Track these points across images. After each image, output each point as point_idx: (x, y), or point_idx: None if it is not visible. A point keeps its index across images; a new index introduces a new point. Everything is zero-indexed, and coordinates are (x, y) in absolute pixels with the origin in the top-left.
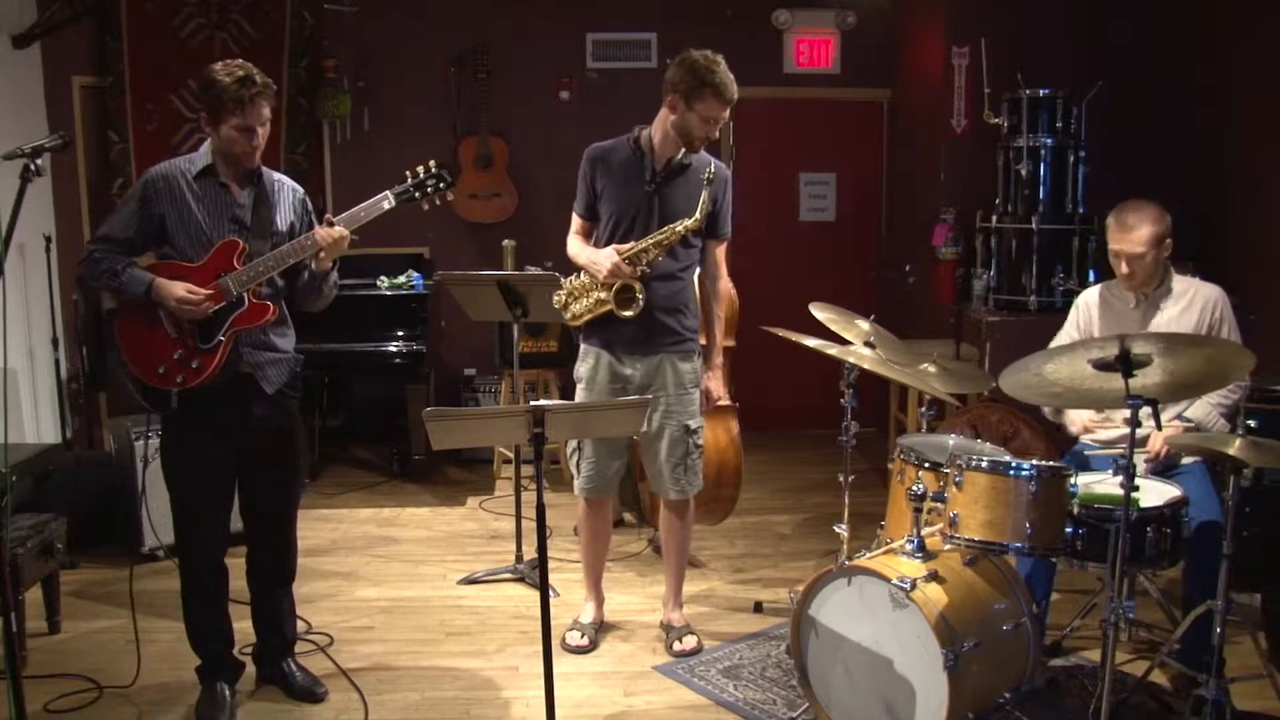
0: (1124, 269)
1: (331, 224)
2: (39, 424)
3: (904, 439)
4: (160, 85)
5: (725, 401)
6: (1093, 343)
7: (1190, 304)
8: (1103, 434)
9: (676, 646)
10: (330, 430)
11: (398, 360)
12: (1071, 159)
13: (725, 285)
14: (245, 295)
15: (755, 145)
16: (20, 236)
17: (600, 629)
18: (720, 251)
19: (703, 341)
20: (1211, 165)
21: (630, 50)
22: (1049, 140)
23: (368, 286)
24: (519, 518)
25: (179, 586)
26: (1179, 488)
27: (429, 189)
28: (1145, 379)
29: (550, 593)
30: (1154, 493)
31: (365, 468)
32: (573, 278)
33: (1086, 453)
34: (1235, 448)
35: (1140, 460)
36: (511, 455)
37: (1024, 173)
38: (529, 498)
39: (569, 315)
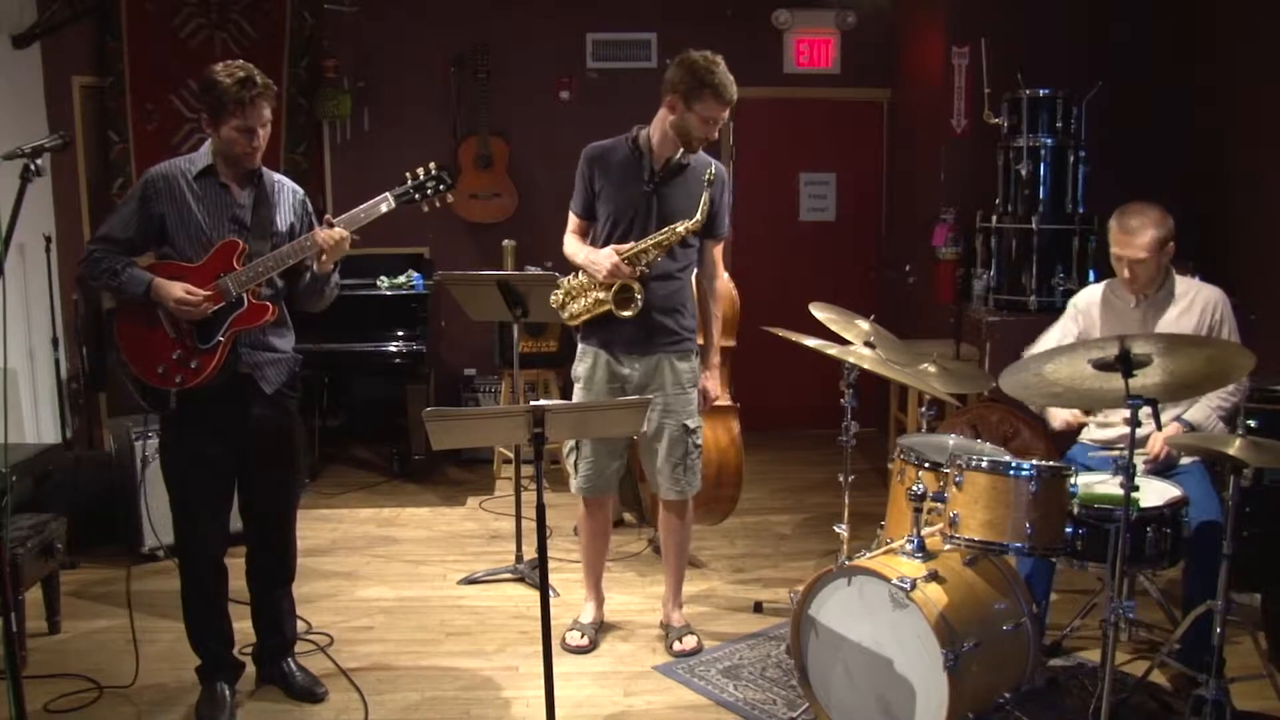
0: (1126, 273)
1: (332, 225)
2: (39, 424)
3: (904, 439)
4: (160, 85)
5: (723, 401)
6: (1093, 343)
7: (1191, 305)
8: (1102, 434)
9: (676, 646)
10: (330, 430)
11: (398, 360)
12: (1071, 159)
13: (723, 284)
14: (245, 296)
15: (755, 145)
16: (20, 236)
17: (600, 629)
18: (718, 251)
19: (700, 341)
20: (1211, 165)
21: (630, 50)
22: (1049, 140)
23: (368, 286)
24: (519, 518)
25: (179, 586)
26: (1179, 488)
27: (429, 191)
28: (1145, 379)
29: (550, 593)
30: (1154, 493)
31: (365, 468)
32: (570, 277)
33: (1089, 454)
34: (1235, 448)
35: (1139, 461)
36: (511, 455)
37: (1024, 173)
38: (529, 498)
39: (566, 315)
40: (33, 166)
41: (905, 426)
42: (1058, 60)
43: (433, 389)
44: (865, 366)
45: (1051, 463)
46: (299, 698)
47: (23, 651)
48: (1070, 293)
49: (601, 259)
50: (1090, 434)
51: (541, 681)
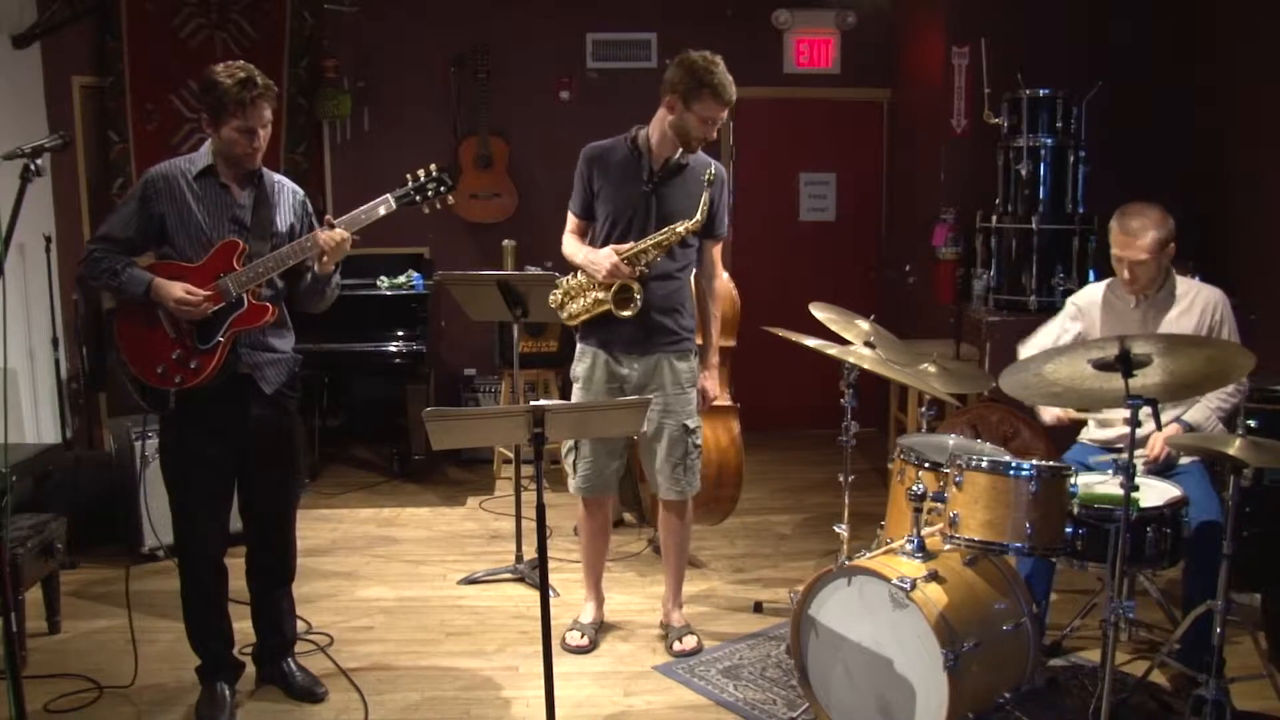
0: (1126, 274)
1: (333, 226)
2: (39, 424)
3: (904, 439)
4: (160, 85)
5: (722, 401)
6: (1093, 343)
7: (1191, 306)
8: (1101, 434)
9: (676, 646)
10: (330, 430)
11: (398, 360)
12: (1071, 159)
13: (723, 285)
14: (245, 296)
15: (755, 145)
16: (20, 236)
17: (600, 629)
18: (716, 251)
19: (699, 341)
20: (1211, 165)
21: (630, 50)
22: (1049, 140)
23: (368, 286)
24: (519, 518)
25: (179, 586)
26: (1179, 488)
27: (429, 193)
28: (1145, 379)
29: (550, 593)
30: (1154, 493)
31: (365, 468)
32: (569, 277)
33: (1091, 460)
34: (1235, 448)
35: (1138, 461)
36: (511, 455)
37: (1024, 173)
38: (529, 498)
39: (565, 315)
40: (33, 166)
41: (905, 426)
42: (1058, 60)
43: (433, 389)
44: (865, 366)
45: (1051, 463)
46: (299, 698)
47: (23, 651)
48: (1070, 293)
49: (601, 259)
50: (1090, 434)
51: (541, 681)
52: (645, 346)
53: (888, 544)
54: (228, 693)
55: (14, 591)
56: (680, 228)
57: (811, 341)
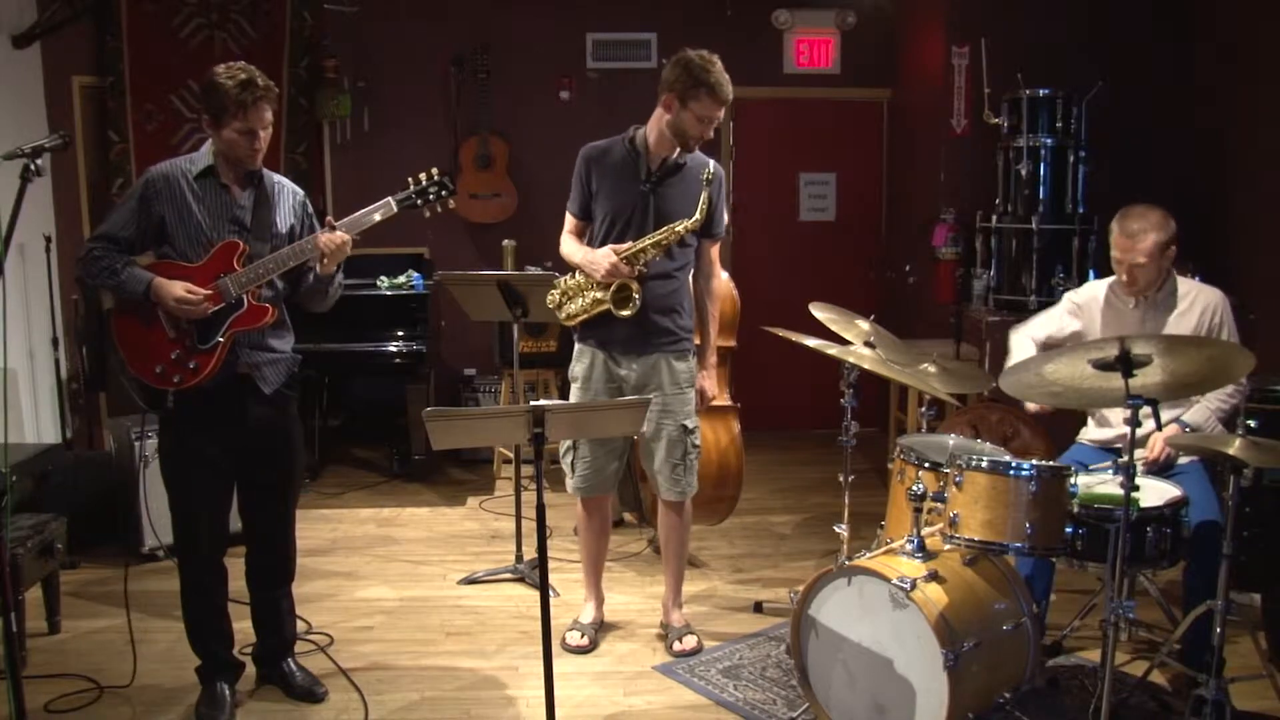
0: (1125, 277)
1: (334, 228)
2: (39, 424)
3: (904, 439)
4: (160, 85)
5: (722, 401)
6: (1092, 343)
7: (1190, 307)
8: (1101, 434)
9: (676, 646)
10: (330, 430)
11: (398, 360)
12: (1071, 159)
13: (722, 285)
14: (244, 297)
15: (755, 145)
16: (20, 236)
17: (600, 629)
18: (715, 251)
19: (697, 341)
20: (1211, 165)
21: (630, 50)
22: (1049, 140)
23: (368, 286)
24: (519, 518)
25: (178, 586)
26: (1179, 488)
27: (430, 196)
28: (1145, 379)
29: (550, 593)
30: (1154, 493)
31: (365, 468)
32: (567, 277)
33: (1090, 461)
34: (1235, 448)
35: (1138, 461)
36: (511, 455)
37: (1024, 173)
38: (529, 498)
39: (563, 315)
40: (33, 166)
41: (905, 426)
42: (1058, 60)
43: (433, 389)
44: (865, 366)
45: (1051, 463)
46: (299, 698)
47: (23, 651)
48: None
49: (599, 258)
50: (1089, 434)
51: (541, 681)
52: (643, 346)
53: (888, 544)
54: (228, 693)
55: (14, 591)
56: (679, 227)
57: (811, 341)
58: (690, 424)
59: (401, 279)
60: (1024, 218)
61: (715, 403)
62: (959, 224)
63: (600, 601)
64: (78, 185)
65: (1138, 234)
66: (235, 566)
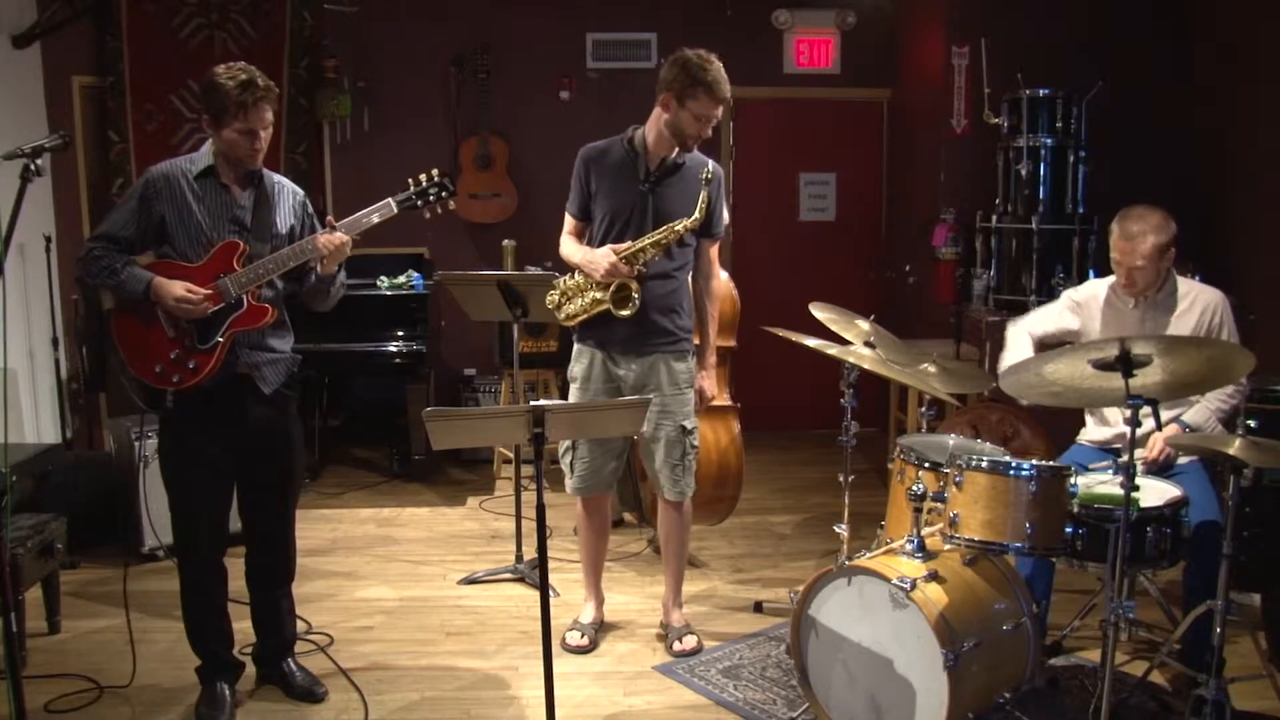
0: (1124, 279)
1: (334, 228)
2: (39, 424)
3: (904, 439)
4: (160, 85)
5: (721, 401)
6: (1093, 343)
7: (1190, 307)
8: (1101, 434)
9: (676, 646)
10: (330, 430)
11: (398, 360)
12: (1071, 159)
13: (722, 285)
14: (244, 297)
15: (755, 145)
16: (20, 236)
17: (600, 629)
18: (714, 251)
19: (696, 341)
20: (1211, 165)
21: (630, 50)
22: (1049, 140)
23: (368, 286)
24: (519, 518)
25: (178, 587)
26: (1179, 488)
27: (431, 197)
28: (1145, 379)
29: (550, 593)
30: (1154, 493)
31: (365, 468)
32: (566, 278)
33: (1090, 461)
34: (1235, 448)
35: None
36: (511, 455)
37: (1024, 173)
38: (529, 498)
39: (562, 316)
40: (33, 166)
41: (905, 426)
42: (1058, 60)
43: (433, 389)
44: (865, 366)
45: (1051, 463)
46: (299, 698)
47: (23, 651)
48: None
49: (598, 258)
50: (1089, 434)
51: (541, 681)
52: (642, 347)
53: (888, 544)
54: (228, 693)
55: (14, 591)
56: (678, 225)
57: (811, 341)
58: (689, 424)
59: (401, 279)
60: (1024, 218)
61: (715, 403)
62: (959, 224)
63: (600, 601)
64: (78, 185)
65: (1137, 236)
66: (235, 566)
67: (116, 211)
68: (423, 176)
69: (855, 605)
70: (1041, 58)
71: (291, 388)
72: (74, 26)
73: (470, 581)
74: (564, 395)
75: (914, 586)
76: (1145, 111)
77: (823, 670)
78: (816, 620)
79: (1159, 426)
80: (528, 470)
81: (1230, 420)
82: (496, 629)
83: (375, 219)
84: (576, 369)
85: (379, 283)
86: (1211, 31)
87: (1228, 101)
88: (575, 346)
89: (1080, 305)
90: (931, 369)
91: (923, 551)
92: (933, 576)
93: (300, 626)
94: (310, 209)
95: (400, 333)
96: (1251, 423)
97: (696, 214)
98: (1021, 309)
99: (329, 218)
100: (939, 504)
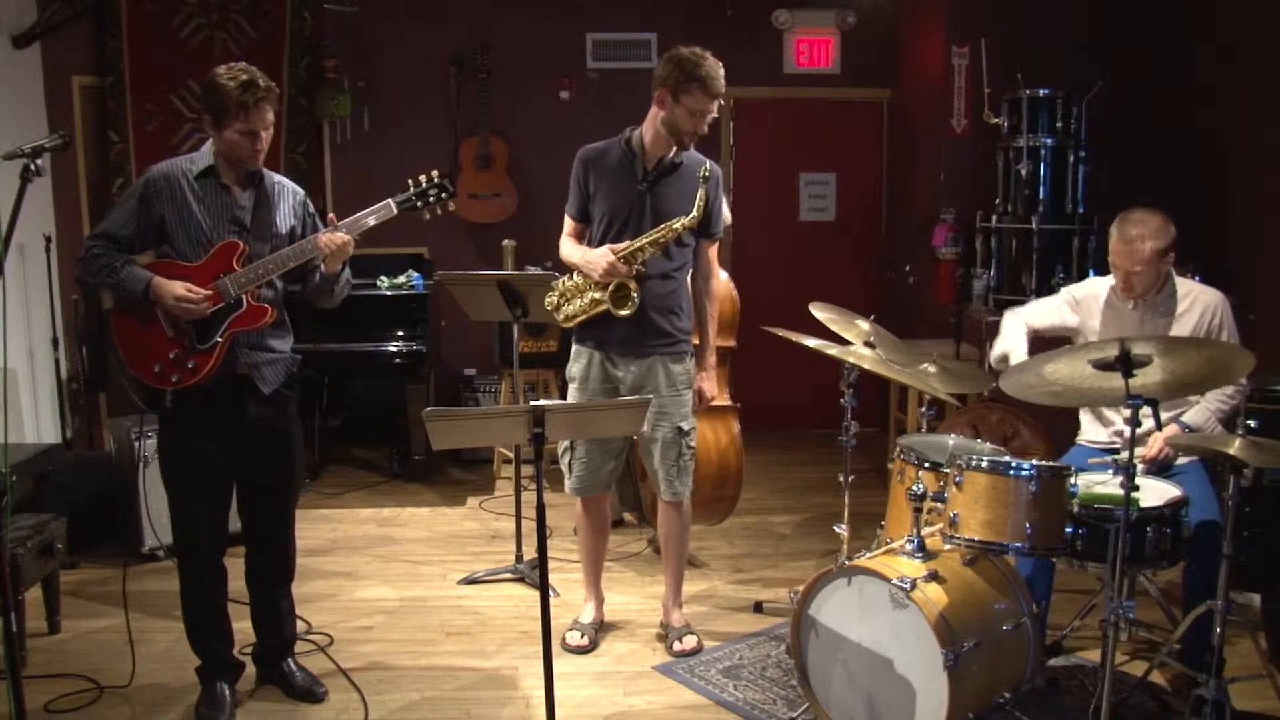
0: (1122, 283)
1: (336, 228)
2: (39, 424)
3: (904, 439)
4: (160, 85)
5: (721, 401)
6: (1092, 343)
7: (1190, 308)
8: (1100, 434)
9: (676, 646)
10: (330, 430)
11: (398, 360)
12: (1071, 159)
13: (721, 285)
14: (244, 297)
15: (755, 145)
16: (20, 236)
17: (600, 629)
18: (713, 251)
19: (696, 342)
20: (1211, 165)
21: (630, 50)
22: (1049, 140)
23: (368, 286)
24: (519, 518)
25: (178, 587)
26: (1179, 488)
27: (431, 198)
28: (1145, 379)
29: (550, 593)
30: (1154, 493)
31: (365, 468)
32: (564, 279)
33: (1088, 456)
34: (1235, 448)
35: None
36: (511, 455)
37: (1024, 173)
38: (529, 498)
39: (561, 317)
40: (33, 166)
41: (905, 426)
42: (1058, 60)
43: (433, 389)
44: (865, 366)
45: (1051, 463)
46: (299, 698)
47: (23, 651)
48: None
49: (597, 258)
50: (1087, 435)
51: (541, 681)
52: (641, 348)
53: (888, 544)
54: (228, 693)
55: (14, 591)
56: (677, 224)
57: (811, 341)
58: (686, 426)
59: (401, 279)
60: (1024, 218)
61: (715, 403)
62: (959, 224)
63: (600, 601)
64: (78, 185)
65: (1135, 241)
66: (235, 566)
67: (116, 211)
68: (422, 178)
69: (855, 605)
70: (1041, 58)
71: (291, 388)
72: (74, 26)
73: (470, 581)
74: (564, 395)
75: (914, 586)
76: (1145, 111)
77: (823, 670)
78: (816, 620)
79: (1159, 426)
80: (528, 470)
81: (1230, 420)
82: (496, 629)
83: (374, 221)
84: (575, 369)
85: (379, 283)
86: (1211, 31)
87: (1228, 101)
88: (574, 347)
89: (1079, 302)
90: (931, 369)
91: (923, 551)
92: (933, 576)
93: (300, 626)
94: (311, 209)
95: (400, 333)
96: (1251, 423)
97: (695, 211)
98: None
99: (331, 216)
100: (939, 504)
